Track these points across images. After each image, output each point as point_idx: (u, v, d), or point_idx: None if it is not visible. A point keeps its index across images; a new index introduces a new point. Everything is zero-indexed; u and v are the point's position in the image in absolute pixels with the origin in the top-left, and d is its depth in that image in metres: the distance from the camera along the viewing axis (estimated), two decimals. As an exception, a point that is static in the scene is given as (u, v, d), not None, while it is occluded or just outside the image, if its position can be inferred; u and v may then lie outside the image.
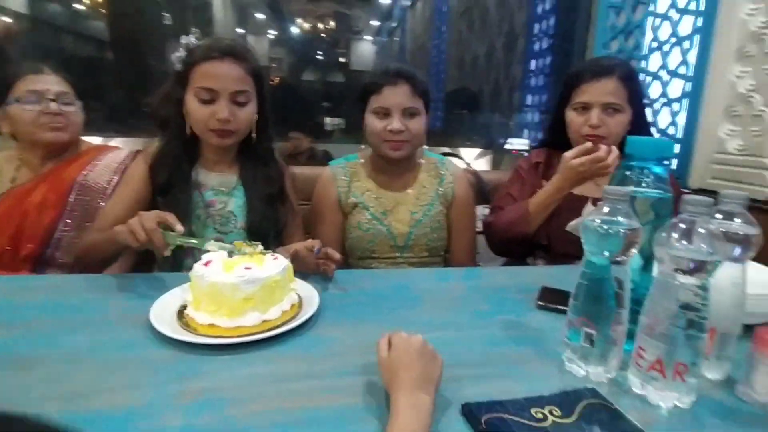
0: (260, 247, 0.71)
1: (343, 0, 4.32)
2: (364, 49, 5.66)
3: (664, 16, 1.40)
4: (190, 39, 0.92)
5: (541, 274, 0.93)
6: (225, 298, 0.61)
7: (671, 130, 1.37)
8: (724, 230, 0.54)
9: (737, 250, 0.54)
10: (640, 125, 1.09)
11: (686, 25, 1.32)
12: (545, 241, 1.11)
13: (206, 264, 0.65)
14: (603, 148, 0.98)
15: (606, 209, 0.55)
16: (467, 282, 0.91)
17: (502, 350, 0.63)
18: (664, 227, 0.52)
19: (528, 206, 1.07)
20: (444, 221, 1.18)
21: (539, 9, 2.13)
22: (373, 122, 1.09)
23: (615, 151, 0.97)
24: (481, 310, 0.77)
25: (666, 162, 0.62)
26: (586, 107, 1.07)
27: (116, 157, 1.13)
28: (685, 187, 1.28)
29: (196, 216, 0.98)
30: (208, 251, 0.72)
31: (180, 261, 0.98)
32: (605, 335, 0.55)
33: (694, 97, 1.28)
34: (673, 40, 1.36)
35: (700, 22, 1.26)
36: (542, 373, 0.58)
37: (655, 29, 1.44)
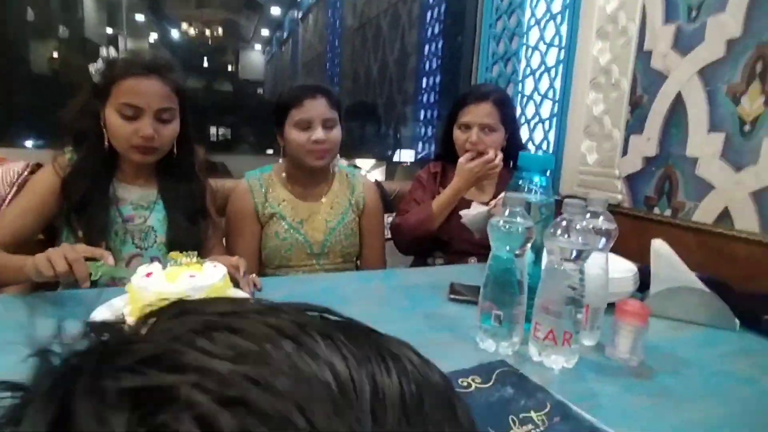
0: (196, 257, 0.71)
1: (233, 8, 4.20)
2: (254, 59, 5.54)
3: (535, 47, 1.65)
4: (111, 51, 0.88)
5: (447, 273, 1.05)
6: (169, 307, 0.61)
7: (544, 145, 1.61)
8: (592, 226, 0.69)
9: (602, 242, 0.70)
10: (513, 142, 1.32)
11: (552, 56, 1.57)
12: (446, 238, 1.25)
13: (148, 275, 0.64)
14: (491, 151, 1.21)
15: (507, 212, 0.67)
16: (387, 282, 1.00)
17: (427, 337, 0.72)
18: (551, 225, 0.65)
19: (431, 207, 1.24)
20: (356, 228, 1.26)
21: (429, 32, 2.33)
22: (295, 134, 1.14)
23: (500, 154, 1.21)
24: (402, 306, 0.85)
25: (548, 173, 0.77)
26: (468, 126, 1.25)
27: (8, 170, 1.02)
28: (557, 194, 1.51)
29: (114, 232, 0.94)
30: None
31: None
32: (510, 316, 0.67)
33: (561, 117, 1.52)
34: (543, 68, 1.61)
35: (562, 54, 1.52)
36: (462, 352, 0.67)
37: (528, 58, 1.69)
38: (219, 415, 0.14)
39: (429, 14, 2.29)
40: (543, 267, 0.67)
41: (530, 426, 0.49)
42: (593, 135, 1.44)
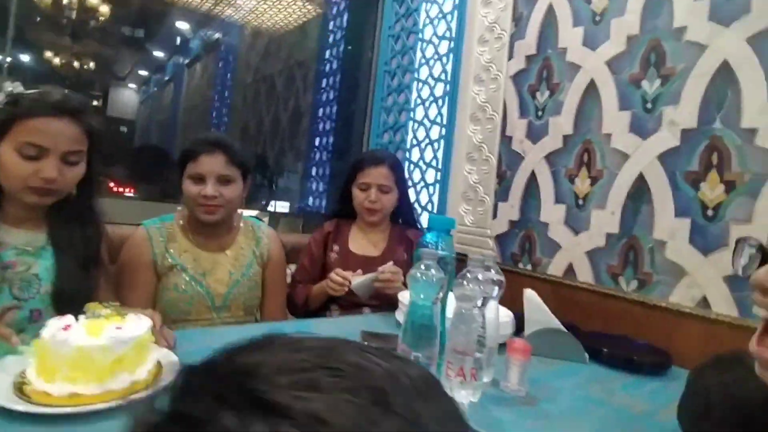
0: (115, 308, 0.68)
1: (110, 43, 3.94)
2: (126, 97, 5.18)
3: (420, 122, 1.90)
4: (17, 86, 0.82)
5: (353, 322, 1.13)
6: (93, 362, 0.58)
7: (429, 206, 1.82)
8: (489, 278, 0.84)
9: (496, 291, 0.85)
10: (404, 201, 1.51)
11: (435, 131, 1.84)
12: (340, 295, 1.33)
13: (65, 328, 0.60)
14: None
15: (423, 266, 0.79)
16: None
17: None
18: (460, 276, 0.78)
19: (311, 292, 1.39)
20: (260, 281, 1.28)
21: (324, 96, 2.50)
22: (188, 187, 1.15)
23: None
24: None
25: (451, 232, 0.92)
26: (367, 186, 1.40)
27: None
28: (440, 249, 1.71)
29: None
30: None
31: None
32: (427, 358, 0.77)
33: (443, 183, 1.76)
34: (427, 140, 1.86)
35: (443, 131, 1.78)
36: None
37: (414, 130, 1.93)
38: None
39: (324, 81, 2.46)
40: (451, 313, 0.80)
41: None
42: (469, 200, 1.69)
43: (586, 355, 1.06)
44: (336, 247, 1.49)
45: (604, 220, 1.31)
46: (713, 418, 0.60)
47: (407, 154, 1.95)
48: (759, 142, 1.03)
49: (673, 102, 1.17)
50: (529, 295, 1.09)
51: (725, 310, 1.08)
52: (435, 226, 0.91)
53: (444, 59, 1.81)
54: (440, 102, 1.81)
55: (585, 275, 1.35)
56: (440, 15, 1.83)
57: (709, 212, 1.11)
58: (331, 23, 2.53)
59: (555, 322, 1.09)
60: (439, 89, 1.82)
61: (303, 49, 3.12)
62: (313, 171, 2.53)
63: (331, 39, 2.51)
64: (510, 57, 1.58)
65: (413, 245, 1.47)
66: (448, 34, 1.80)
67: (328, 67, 2.49)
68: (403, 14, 2.01)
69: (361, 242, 1.50)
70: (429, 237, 0.91)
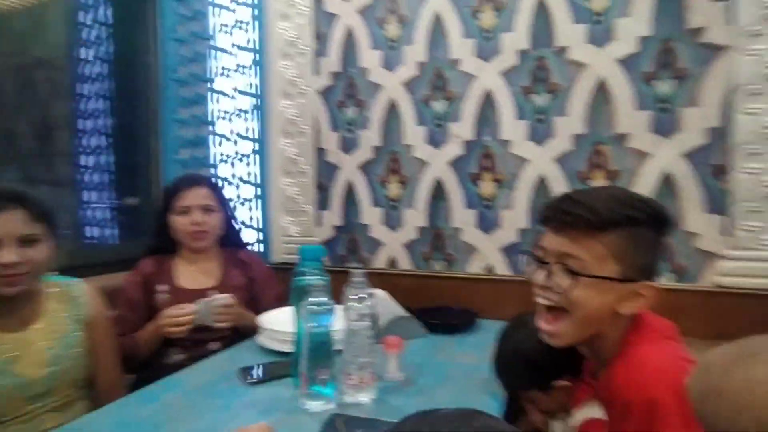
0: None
1: None
2: None
3: (226, 137, 1.84)
4: None
5: (220, 362, 1.09)
6: None
7: (254, 223, 1.80)
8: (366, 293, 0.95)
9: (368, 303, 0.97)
10: (231, 223, 1.48)
11: (247, 146, 1.81)
12: (182, 335, 1.25)
13: None
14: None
15: (315, 297, 0.85)
16: (173, 390, 0.94)
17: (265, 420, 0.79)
18: (348, 295, 0.87)
19: (138, 341, 1.26)
20: (86, 347, 1.09)
21: (85, 105, 2.12)
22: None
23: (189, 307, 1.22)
24: (216, 407, 0.87)
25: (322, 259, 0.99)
26: (188, 210, 1.33)
27: None
28: (270, 262, 1.73)
29: None
30: None
31: None
32: (331, 376, 0.84)
33: (263, 199, 1.77)
34: (238, 155, 1.82)
35: (256, 146, 1.78)
36: (300, 421, 0.79)
37: (219, 145, 1.86)
38: None
39: (86, 87, 2.09)
40: (344, 328, 0.88)
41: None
42: (291, 211, 1.75)
43: (424, 330, 1.29)
44: (163, 287, 1.35)
45: (415, 217, 1.58)
46: (508, 368, 0.87)
47: (213, 170, 1.86)
48: (514, 150, 1.43)
49: (456, 119, 1.50)
50: (378, 293, 1.25)
51: (504, 272, 1.47)
52: (307, 256, 0.97)
53: (249, 71, 1.78)
54: (249, 116, 1.79)
55: (405, 263, 1.61)
56: (238, 24, 1.79)
57: (487, 203, 1.48)
58: (82, 14, 2.13)
59: (400, 310, 1.28)
60: (246, 102, 1.80)
61: (42, 44, 2.51)
62: (86, 196, 2.13)
63: (87, 35, 2.11)
64: (316, 73, 1.68)
65: (249, 267, 1.46)
66: (250, 45, 1.78)
67: (89, 71, 2.10)
68: (190, 17, 1.88)
69: (191, 275, 1.39)
70: (302, 266, 0.96)
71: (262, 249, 1.76)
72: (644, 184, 1.29)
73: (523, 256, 0.75)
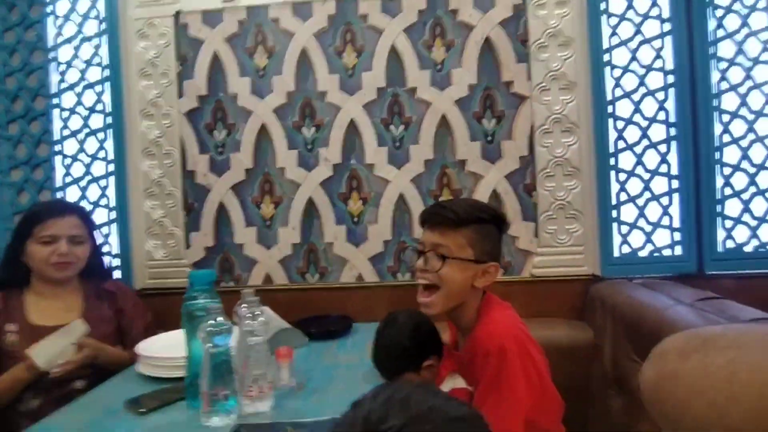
0: None
1: None
2: None
3: (75, 158, 1.68)
4: None
5: (105, 397, 1.05)
6: None
7: (111, 249, 1.67)
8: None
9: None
10: (98, 253, 1.42)
11: (99, 167, 1.68)
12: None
13: None
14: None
15: (213, 320, 0.90)
16: None
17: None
18: (242, 315, 0.94)
19: None
20: None
21: None
22: None
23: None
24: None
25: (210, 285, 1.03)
26: (53, 239, 1.25)
27: None
28: (132, 287, 1.64)
29: None
30: None
31: None
32: (231, 389, 0.90)
33: (121, 223, 1.67)
34: (90, 177, 1.68)
35: (112, 167, 1.67)
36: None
37: (65, 166, 1.69)
38: None
39: None
40: (241, 347, 0.95)
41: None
42: (156, 235, 1.69)
43: (306, 338, 1.40)
44: (12, 326, 1.22)
45: (289, 234, 1.68)
46: (386, 358, 1.08)
47: (61, 194, 1.68)
48: (377, 172, 1.64)
49: (325, 144, 1.64)
50: (264, 309, 1.32)
51: (372, 279, 1.66)
52: (197, 281, 1.00)
53: (97, 88, 1.66)
54: (101, 135, 1.67)
55: (281, 279, 1.69)
56: (82, 37, 1.66)
57: (355, 219, 1.66)
58: None
59: (283, 323, 1.37)
60: (97, 121, 1.67)
61: None
62: None
63: None
64: (180, 95, 1.66)
65: (117, 297, 1.39)
66: (98, 61, 1.66)
67: None
68: (18, 23, 1.67)
69: (47, 311, 1.27)
70: (193, 291, 1.00)
71: (119, 275, 1.65)
72: (480, 198, 1.61)
73: (411, 251, 1.10)
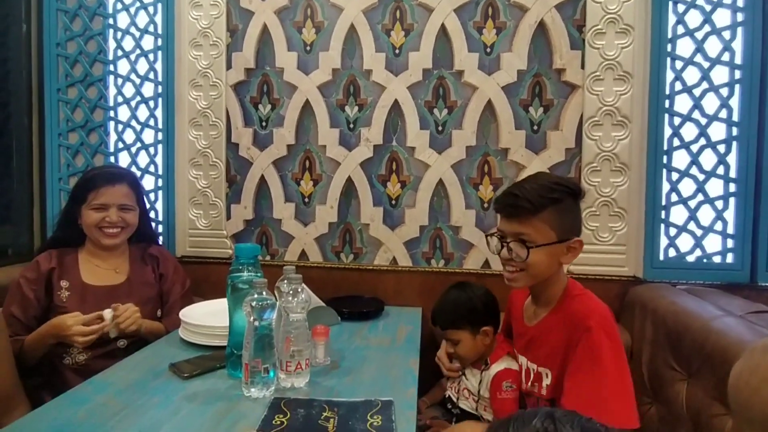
0: None
1: None
2: None
3: (128, 124, 1.74)
4: None
5: (148, 359, 1.10)
6: None
7: (153, 214, 1.73)
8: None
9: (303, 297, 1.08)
10: (146, 219, 1.49)
11: (149, 135, 1.73)
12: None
13: None
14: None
15: (258, 294, 0.93)
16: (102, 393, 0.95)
17: (208, 413, 0.86)
18: (286, 292, 0.97)
19: (25, 345, 1.20)
20: None
21: None
22: None
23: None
24: (156, 404, 0.90)
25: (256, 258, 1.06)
26: (105, 207, 1.31)
27: None
28: (175, 254, 1.70)
29: None
30: None
31: None
32: (271, 362, 0.94)
33: (167, 190, 1.72)
34: (139, 144, 1.74)
35: (160, 135, 1.71)
36: (245, 408, 0.88)
37: (118, 132, 1.74)
38: None
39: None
40: (282, 323, 0.98)
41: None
42: (199, 204, 1.74)
43: (339, 318, 1.43)
44: (65, 283, 1.29)
45: (326, 213, 1.69)
46: (449, 310, 1.22)
47: (112, 159, 1.75)
48: (417, 155, 1.62)
49: (367, 124, 1.64)
50: (302, 286, 1.35)
51: (406, 264, 1.67)
52: (243, 254, 1.03)
53: (151, 56, 1.70)
54: (152, 104, 1.71)
55: (315, 256, 1.72)
56: (139, 4, 1.68)
57: (393, 202, 1.66)
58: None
59: (318, 301, 1.40)
60: (148, 89, 1.71)
61: None
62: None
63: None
64: (228, 67, 1.68)
65: (159, 262, 1.45)
66: (152, 29, 1.69)
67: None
68: (79, -13, 1.71)
69: (97, 271, 1.34)
70: (238, 264, 1.03)
71: (161, 241, 1.71)
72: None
73: (491, 238, 1.04)
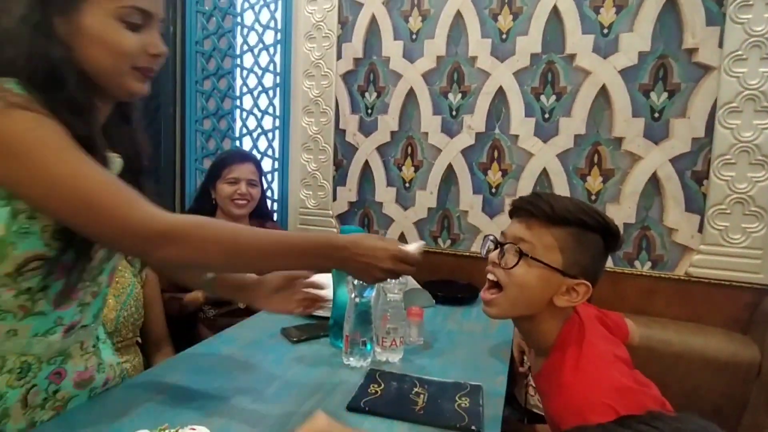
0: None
1: None
2: None
3: (250, 112, 1.94)
4: None
5: (265, 321, 1.25)
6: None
7: (270, 193, 1.93)
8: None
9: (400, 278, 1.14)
10: (264, 197, 1.65)
11: (268, 122, 1.92)
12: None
13: None
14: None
15: (358, 271, 1.00)
16: (224, 347, 1.11)
17: (314, 375, 0.97)
18: (383, 274, 1.03)
19: (183, 301, 1.41)
20: (141, 300, 1.25)
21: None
22: None
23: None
24: (267, 361, 1.03)
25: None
26: (236, 181, 1.48)
27: None
28: (286, 230, 1.88)
29: None
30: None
31: None
32: (368, 336, 1.02)
33: (282, 172, 1.90)
34: (260, 130, 1.93)
35: (278, 122, 1.89)
36: (344, 374, 0.97)
37: (243, 119, 1.96)
38: None
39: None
40: (380, 301, 1.05)
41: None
42: (309, 186, 1.88)
43: (433, 300, 1.48)
44: None
45: (426, 198, 1.74)
46: None
47: (237, 143, 1.97)
48: (521, 144, 1.59)
49: (470, 111, 1.63)
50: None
51: (503, 252, 1.65)
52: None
53: (271, 50, 1.86)
54: (271, 93, 1.88)
55: (414, 240, 1.76)
56: (262, 2, 1.85)
57: (493, 190, 1.65)
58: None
59: (413, 282, 1.46)
60: (268, 80, 1.89)
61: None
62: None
63: None
64: (339, 57, 1.78)
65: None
66: (273, 24, 1.85)
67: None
68: (215, -8, 1.93)
69: None
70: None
71: (275, 218, 1.90)
72: (634, 183, 1.47)
73: (486, 240, 0.89)
